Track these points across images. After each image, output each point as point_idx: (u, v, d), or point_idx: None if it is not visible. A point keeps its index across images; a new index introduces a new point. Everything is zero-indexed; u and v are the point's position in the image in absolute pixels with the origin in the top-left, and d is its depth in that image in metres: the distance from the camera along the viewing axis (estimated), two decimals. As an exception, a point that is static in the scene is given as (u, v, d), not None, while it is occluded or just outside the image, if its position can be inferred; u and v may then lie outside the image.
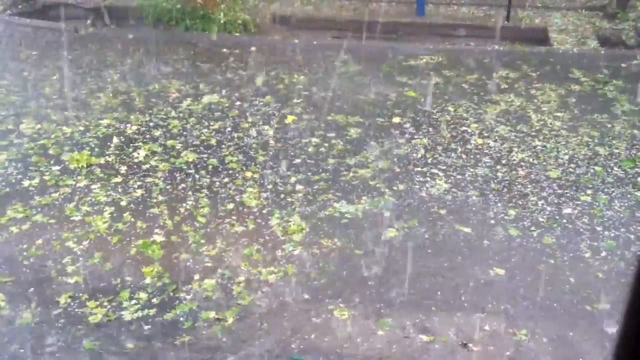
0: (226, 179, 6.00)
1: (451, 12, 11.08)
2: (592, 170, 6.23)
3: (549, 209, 5.64)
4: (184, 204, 5.62)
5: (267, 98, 7.58)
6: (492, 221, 5.46)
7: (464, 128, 6.99)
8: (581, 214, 5.58)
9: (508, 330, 4.31)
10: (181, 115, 7.17)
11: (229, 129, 6.90)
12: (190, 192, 5.79)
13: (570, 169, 6.24)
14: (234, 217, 5.46)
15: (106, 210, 5.51)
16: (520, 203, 5.71)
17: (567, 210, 5.62)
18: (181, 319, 4.38)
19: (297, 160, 6.32)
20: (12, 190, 5.79)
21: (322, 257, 5.01)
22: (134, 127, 6.88)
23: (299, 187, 5.89)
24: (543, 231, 5.33)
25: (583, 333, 4.29)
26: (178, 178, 6.01)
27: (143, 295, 4.58)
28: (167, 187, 5.87)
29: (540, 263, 4.96)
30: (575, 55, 9.01)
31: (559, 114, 7.31)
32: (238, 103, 7.48)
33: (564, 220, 5.48)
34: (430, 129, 6.95)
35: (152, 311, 4.43)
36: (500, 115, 7.28)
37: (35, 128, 6.83)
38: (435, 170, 6.18)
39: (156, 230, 5.28)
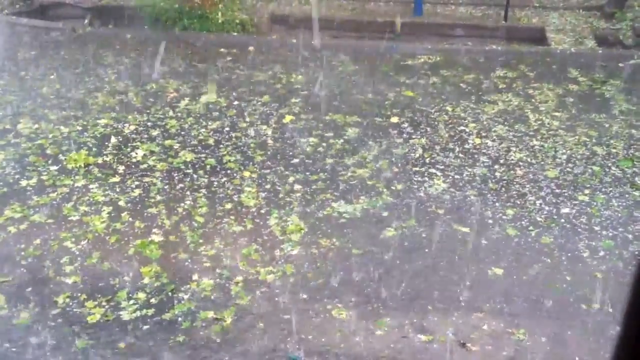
0: (224, 179, 6.00)
1: (449, 11, 11.08)
2: (590, 170, 6.23)
3: (547, 208, 5.64)
4: (182, 204, 5.61)
5: (265, 98, 7.58)
6: (490, 221, 5.47)
7: (462, 128, 7.00)
8: (579, 213, 5.59)
9: (506, 330, 4.31)
10: (179, 115, 7.17)
11: (227, 128, 6.90)
12: (188, 192, 5.79)
13: (568, 169, 6.25)
14: (232, 217, 5.45)
15: (104, 210, 5.51)
16: (518, 203, 5.72)
17: (565, 210, 5.62)
18: (179, 319, 4.38)
19: (295, 160, 6.32)
20: (10, 190, 5.79)
21: (320, 256, 5.01)
22: (132, 127, 6.88)
23: (297, 186, 5.89)
24: (541, 231, 5.34)
25: (581, 332, 4.30)
26: (176, 178, 6.00)
27: (141, 295, 4.57)
28: (165, 186, 5.87)
29: (538, 262, 4.97)
30: (573, 55, 9.02)
31: (556, 114, 7.32)
32: (236, 103, 7.48)
33: (562, 220, 5.48)
34: (428, 129, 6.96)
35: (151, 311, 4.43)
36: (498, 115, 7.29)
37: (32, 128, 6.82)
38: (434, 170, 6.19)
39: (154, 230, 5.28)
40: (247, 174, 6.07)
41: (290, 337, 4.22)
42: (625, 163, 6.35)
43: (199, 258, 4.97)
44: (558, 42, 9.73)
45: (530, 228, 5.37)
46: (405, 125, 7.03)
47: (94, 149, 6.43)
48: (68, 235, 5.20)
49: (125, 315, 4.39)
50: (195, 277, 4.76)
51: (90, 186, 5.84)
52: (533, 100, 7.67)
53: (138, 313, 4.41)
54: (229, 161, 6.27)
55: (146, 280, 4.71)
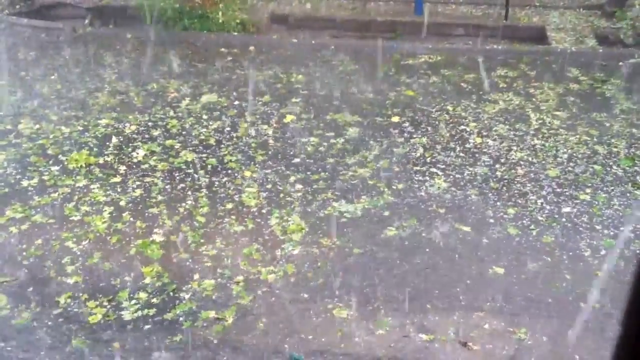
0: (225, 179, 6.00)
1: (449, 11, 11.08)
2: (591, 169, 6.23)
3: (548, 207, 5.64)
4: (183, 204, 5.62)
5: (266, 97, 7.58)
6: (492, 220, 5.47)
7: (463, 127, 7.00)
8: (580, 212, 5.58)
9: (507, 329, 4.31)
10: (180, 114, 7.17)
11: (228, 128, 6.90)
12: (189, 192, 5.79)
13: (569, 168, 6.25)
14: (233, 217, 5.45)
15: (105, 210, 5.51)
16: (520, 202, 5.71)
17: (566, 209, 5.62)
18: (181, 318, 4.38)
19: (296, 160, 6.32)
20: (11, 191, 5.79)
21: (321, 256, 5.01)
22: (133, 127, 6.88)
23: (298, 186, 5.89)
24: (542, 230, 5.33)
25: (582, 332, 4.29)
26: (177, 178, 6.01)
27: (143, 295, 4.58)
28: (166, 186, 5.87)
29: (539, 262, 4.97)
30: (574, 54, 9.02)
31: (557, 113, 7.32)
32: (237, 102, 7.48)
33: (563, 219, 5.48)
34: (429, 128, 6.96)
35: (152, 311, 4.43)
36: (499, 114, 7.29)
37: (33, 128, 6.82)
38: (434, 169, 6.19)
39: (155, 230, 5.28)
40: (248, 173, 6.07)
41: (291, 337, 4.22)
42: (626, 162, 6.34)
43: (200, 258, 4.97)
44: (559, 41, 9.73)
45: (532, 227, 5.37)
46: (406, 124, 7.03)
47: (95, 149, 6.44)
48: (69, 235, 5.21)
49: (126, 315, 4.39)
50: (196, 277, 4.76)
51: (92, 186, 5.85)
52: (534, 99, 7.66)
53: (139, 313, 4.41)
54: (230, 161, 6.27)
55: (147, 280, 4.72)
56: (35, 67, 8.39)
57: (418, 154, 6.44)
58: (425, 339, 4.22)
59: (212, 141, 6.63)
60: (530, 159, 6.39)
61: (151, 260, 4.93)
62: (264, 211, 5.54)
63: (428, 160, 6.35)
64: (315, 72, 8.35)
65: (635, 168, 6.27)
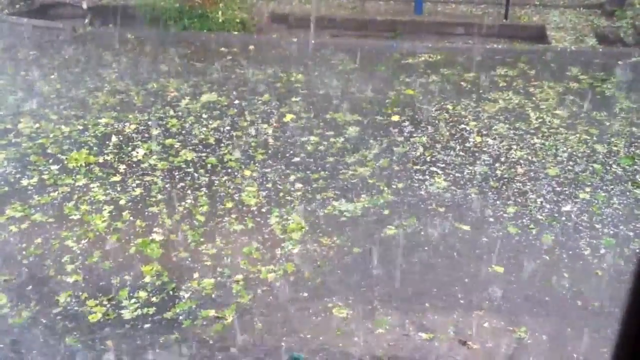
0: (225, 178, 6.00)
1: (449, 10, 11.08)
2: (591, 168, 6.23)
3: (548, 206, 5.64)
4: (183, 203, 5.62)
5: (266, 97, 7.58)
6: (491, 219, 5.47)
7: (463, 126, 7.00)
8: (580, 211, 5.58)
9: (507, 328, 4.31)
10: (180, 114, 7.17)
11: (228, 127, 6.90)
12: (189, 191, 5.79)
13: (569, 167, 6.25)
14: (233, 216, 5.45)
15: (105, 209, 5.51)
16: (519, 201, 5.71)
17: (566, 208, 5.62)
18: (181, 317, 4.38)
19: (296, 159, 6.32)
20: (11, 190, 5.79)
21: (321, 255, 5.01)
22: (133, 126, 6.88)
23: (298, 185, 5.89)
24: (542, 229, 5.34)
25: (582, 331, 4.30)
26: (177, 177, 6.01)
27: (142, 294, 4.58)
28: (166, 185, 5.87)
29: (539, 260, 4.97)
30: (574, 53, 9.02)
31: (557, 112, 7.32)
32: (237, 102, 7.48)
33: (563, 218, 5.48)
34: (429, 127, 6.96)
35: (152, 310, 4.43)
36: (498, 113, 7.28)
37: (33, 127, 6.82)
38: (434, 168, 6.19)
39: (155, 229, 5.28)
40: (248, 172, 6.07)
41: (291, 336, 4.23)
42: (626, 161, 6.34)
43: (200, 257, 4.97)
44: (558, 40, 9.73)
45: (531, 226, 5.37)
46: (406, 123, 7.03)
47: (95, 148, 6.44)
48: (69, 234, 5.21)
49: (126, 314, 4.39)
50: (196, 275, 4.76)
51: (91, 185, 5.85)
52: (534, 98, 7.66)
53: (139, 312, 4.41)
54: (230, 160, 6.27)
55: (147, 279, 4.72)
56: (35, 66, 8.38)
57: (418, 153, 6.44)
58: (425, 338, 4.22)
59: (211, 140, 6.63)
60: (530, 157, 6.39)
61: (151, 259, 4.93)
62: (263, 210, 5.54)
63: (428, 159, 6.35)
64: (315, 72, 8.34)
65: (635, 167, 6.27)
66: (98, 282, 4.71)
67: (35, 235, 5.20)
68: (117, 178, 5.96)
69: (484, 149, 6.53)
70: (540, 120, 7.13)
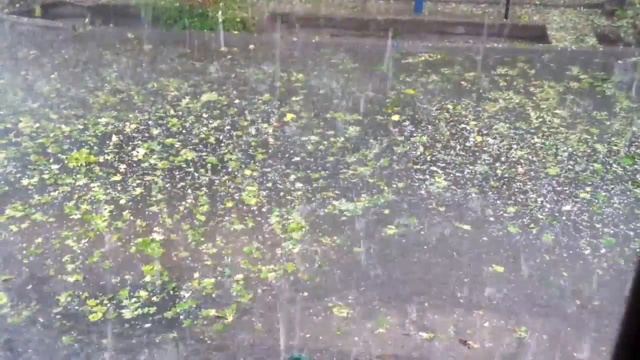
0: (225, 177, 6.00)
1: (449, 9, 11.08)
2: (591, 168, 6.23)
3: (548, 206, 5.64)
4: (184, 202, 5.62)
5: (266, 96, 7.58)
6: (492, 218, 5.47)
7: (463, 125, 7.00)
8: (580, 211, 5.58)
9: (507, 327, 4.31)
10: (180, 113, 7.17)
11: (228, 127, 6.90)
12: (189, 190, 5.79)
13: (570, 166, 6.25)
14: (233, 215, 5.46)
15: (105, 209, 5.51)
16: (520, 200, 5.72)
17: (567, 208, 5.62)
18: (181, 317, 4.38)
19: (297, 158, 6.32)
20: (12, 189, 5.79)
21: (321, 255, 5.01)
22: (133, 126, 6.88)
23: (298, 185, 5.89)
24: (542, 228, 5.34)
25: (582, 330, 4.30)
26: (177, 176, 6.01)
27: (143, 293, 4.58)
28: (167, 185, 5.87)
29: (539, 260, 4.97)
30: (574, 53, 9.02)
31: (557, 111, 7.32)
32: (237, 101, 7.48)
33: (563, 218, 5.48)
34: (429, 127, 6.96)
35: (152, 309, 4.43)
36: (499, 113, 7.28)
37: (33, 127, 6.82)
38: (435, 168, 6.19)
39: (156, 229, 5.28)
40: (248, 172, 6.07)
41: (291, 335, 4.23)
42: (626, 160, 6.34)
43: (200, 256, 4.98)
44: (559, 39, 9.73)
45: (532, 226, 5.37)
46: (407, 123, 7.03)
47: (95, 148, 6.44)
48: (69, 233, 5.21)
49: (126, 314, 4.39)
50: (196, 275, 4.77)
51: (92, 185, 5.85)
52: (534, 97, 7.66)
53: (140, 311, 4.42)
54: (230, 159, 6.27)
55: (147, 279, 4.72)
56: (35, 65, 8.38)
57: (418, 153, 6.44)
58: (426, 338, 4.23)
59: (212, 140, 6.63)
60: (530, 157, 6.39)
61: (151, 259, 4.93)
62: (264, 210, 5.54)
63: (428, 158, 6.35)
64: (315, 71, 8.34)
65: (636, 166, 6.27)
66: (98, 281, 4.72)
67: (35, 234, 5.21)
68: (118, 177, 5.97)
69: (485, 149, 6.53)
70: (540, 119, 7.13)
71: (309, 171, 6.11)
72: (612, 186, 5.94)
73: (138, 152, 6.38)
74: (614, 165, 6.28)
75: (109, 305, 4.48)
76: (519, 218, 5.47)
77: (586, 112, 7.30)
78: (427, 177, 6.05)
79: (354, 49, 9.04)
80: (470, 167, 6.20)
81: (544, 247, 5.12)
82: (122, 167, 6.14)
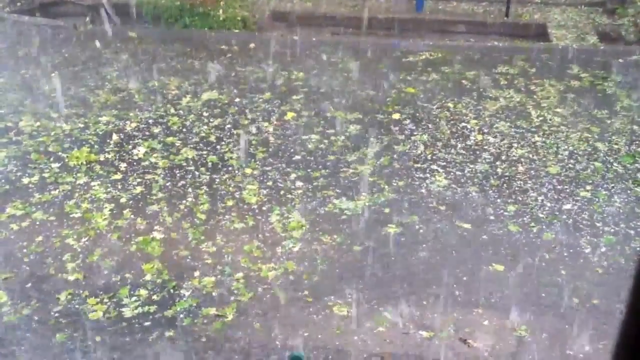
0: (226, 176, 6.00)
1: (450, 8, 11.06)
2: (591, 166, 6.23)
3: (548, 204, 5.64)
4: (184, 201, 5.62)
5: (267, 95, 7.57)
6: (492, 217, 5.47)
7: (464, 124, 6.99)
8: (581, 209, 5.58)
9: (507, 326, 4.31)
10: (180, 112, 7.17)
11: (229, 125, 6.90)
12: (190, 189, 5.79)
13: (570, 165, 6.25)
14: (233, 214, 5.46)
15: (106, 207, 5.51)
16: (520, 199, 5.71)
17: (567, 206, 5.62)
18: (181, 315, 4.38)
19: (297, 157, 6.32)
20: (12, 188, 5.79)
21: (321, 253, 5.01)
22: (134, 124, 6.88)
23: (298, 183, 5.89)
24: (543, 227, 5.33)
25: (582, 329, 4.30)
26: (178, 175, 6.01)
27: (143, 292, 4.58)
28: (167, 184, 5.87)
29: (540, 259, 4.96)
30: (575, 51, 9.00)
31: (558, 110, 7.31)
32: (237, 100, 7.48)
33: (564, 216, 5.48)
34: (430, 125, 6.95)
35: (153, 308, 4.44)
36: (499, 111, 7.28)
37: (34, 125, 6.82)
38: (435, 167, 6.18)
39: (156, 227, 5.28)
40: (248, 170, 6.07)
41: (291, 334, 4.23)
42: (627, 159, 6.34)
43: (201, 255, 4.98)
44: (560, 38, 9.72)
45: (532, 224, 5.37)
46: (407, 121, 7.03)
47: (96, 147, 6.44)
48: (70, 232, 5.21)
49: (127, 312, 4.40)
50: (196, 274, 4.77)
51: (92, 183, 5.85)
52: (535, 96, 7.65)
53: (140, 310, 4.42)
54: (231, 158, 6.27)
55: (148, 277, 4.72)
56: (35, 64, 8.38)
57: (419, 151, 6.44)
58: (425, 336, 4.23)
59: (212, 138, 6.63)
60: (530, 156, 6.39)
61: (151, 257, 4.93)
62: (264, 208, 5.54)
63: (429, 157, 6.34)
64: (315, 70, 8.34)
65: (636, 165, 6.26)
66: (99, 280, 4.72)
67: (36, 233, 5.21)
68: (118, 176, 5.97)
69: (485, 147, 6.53)
70: (541, 118, 7.13)
71: (309, 170, 6.11)
72: (613, 185, 5.94)
73: (139, 150, 6.37)
74: (615, 164, 6.27)
75: (109, 303, 4.48)
76: (520, 217, 5.46)
77: (587, 111, 7.29)
78: (428, 175, 6.05)
79: (355, 48, 9.03)
80: (471, 166, 6.20)
81: (544, 245, 5.11)
82: (123, 165, 6.14)
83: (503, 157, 6.36)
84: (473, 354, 4.11)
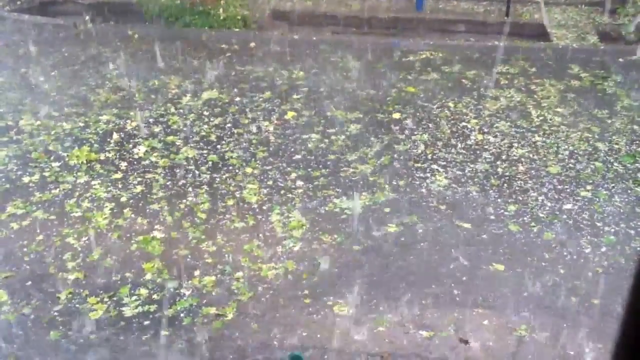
0: (226, 175, 6.00)
1: (450, 7, 11.06)
2: (592, 166, 6.23)
3: (549, 204, 5.64)
4: (184, 200, 5.62)
5: (267, 94, 7.58)
6: (492, 217, 5.47)
7: (464, 124, 6.99)
8: (581, 209, 5.58)
9: (508, 326, 4.31)
10: (181, 111, 7.17)
11: (229, 124, 6.90)
12: (190, 188, 5.79)
13: (571, 165, 6.25)
14: (234, 213, 5.46)
15: (106, 206, 5.52)
16: (520, 199, 5.71)
17: (567, 206, 5.62)
18: (181, 314, 4.39)
19: (297, 156, 6.32)
20: (12, 187, 5.80)
21: (322, 253, 5.01)
22: (134, 123, 6.88)
23: (299, 183, 5.89)
24: (543, 227, 5.33)
25: (582, 329, 4.30)
26: (178, 174, 6.01)
27: (143, 291, 4.58)
28: (167, 183, 5.87)
29: (540, 259, 4.97)
30: (575, 51, 9.00)
31: (558, 110, 7.31)
32: (238, 99, 7.48)
33: (564, 216, 5.48)
34: (430, 125, 6.95)
35: (153, 307, 4.44)
36: (500, 111, 7.28)
37: (34, 124, 6.82)
38: (435, 166, 6.18)
39: (156, 226, 5.29)
40: (249, 170, 6.07)
41: (291, 333, 4.23)
42: (627, 159, 6.34)
43: (201, 254, 4.98)
44: (560, 37, 9.72)
45: (532, 224, 5.37)
46: (407, 121, 7.03)
47: (96, 146, 6.44)
48: (70, 231, 5.21)
49: (127, 312, 4.40)
50: (197, 273, 4.77)
51: (93, 182, 5.85)
52: (535, 96, 7.65)
53: (140, 309, 4.42)
54: (231, 157, 6.27)
55: (148, 276, 4.72)
56: (36, 63, 8.38)
57: (419, 151, 6.44)
58: (425, 336, 4.23)
59: (213, 137, 6.63)
60: (531, 155, 6.39)
61: (152, 257, 4.93)
62: (264, 207, 5.54)
63: (429, 156, 6.35)
64: (316, 69, 8.34)
65: (637, 165, 6.26)
66: (99, 279, 4.72)
67: (36, 232, 5.21)
68: (119, 175, 5.97)
69: (485, 147, 6.53)
70: (541, 118, 7.13)
71: (309, 169, 6.11)
72: (613, 184, 5.94)
73: (139, 149, 6.38)
74: (615, 164, 6.27)
75: (109, 303, 4.48)
76: (520, 216, 5.47)
77: (587, 111, 7.29)
78: (428, 175, 6.05)
79: (355, 47, 9.03)
80: (471, 166, 6.20)
81: (544, 245, 5.12)
82: (123, 164, 6.14)
83: (503, 157, 6.36)
84: (473, 353, 4.11)
